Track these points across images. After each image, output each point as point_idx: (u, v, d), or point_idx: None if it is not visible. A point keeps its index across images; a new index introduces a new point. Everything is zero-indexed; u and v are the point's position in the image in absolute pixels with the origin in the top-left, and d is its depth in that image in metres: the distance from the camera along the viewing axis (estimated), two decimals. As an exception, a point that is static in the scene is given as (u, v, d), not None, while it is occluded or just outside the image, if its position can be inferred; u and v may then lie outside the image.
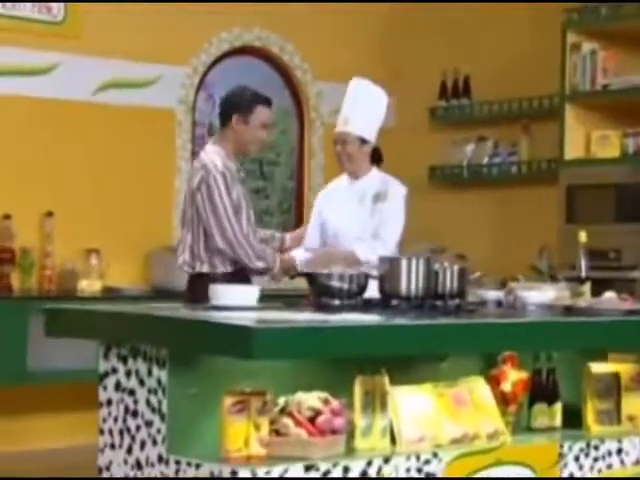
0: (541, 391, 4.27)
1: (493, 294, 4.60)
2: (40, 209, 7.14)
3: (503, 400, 4.14)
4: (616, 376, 4.31)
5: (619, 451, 4.14)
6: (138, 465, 3.63)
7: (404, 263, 3.99)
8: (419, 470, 3.65)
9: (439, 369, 4.07)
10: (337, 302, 3.96)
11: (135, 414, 3.65)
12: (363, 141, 5.37)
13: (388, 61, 8.62)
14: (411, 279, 3.99)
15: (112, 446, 3.74)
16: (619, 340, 4.15)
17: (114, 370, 3.74)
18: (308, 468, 3.41)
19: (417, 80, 8.50)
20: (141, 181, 7.56)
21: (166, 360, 3.52)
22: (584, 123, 7.26)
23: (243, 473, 3.30)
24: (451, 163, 8.18)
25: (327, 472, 3.45)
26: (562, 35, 7.21)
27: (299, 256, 5.20)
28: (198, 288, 4.68)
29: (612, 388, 4.31)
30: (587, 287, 4.67)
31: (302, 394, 3.62)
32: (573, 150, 7.18)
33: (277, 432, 3.52)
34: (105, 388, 3.78)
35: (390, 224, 5.37)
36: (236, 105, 5.09)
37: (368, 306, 4.02)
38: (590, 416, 4.28)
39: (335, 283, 3.96)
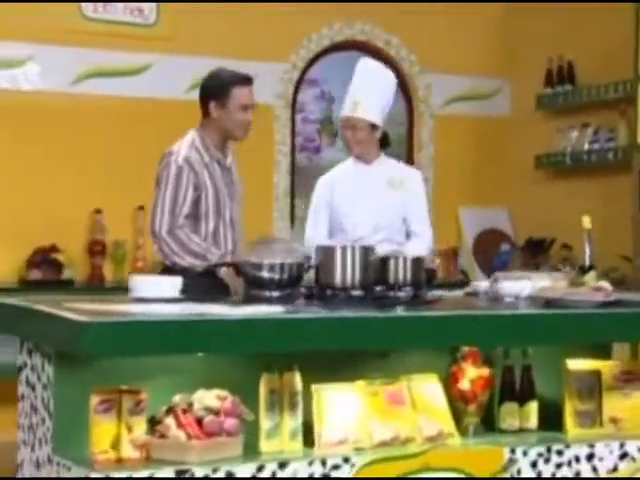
0: (511, 390, 3.66)
1: (484, 285, 4.00)
2: (132, 204, 6.89)
3: (462, 399, 3.57)
4: (597, 374, 3.64)
5: (590, 457, 3.48)
6: (37, 465, 3.25)
7: (338, 252, 3.46)
8: (325, 476, 3.12)
9: (386, 365, 3.53)
10: (267, 293, 3.47)
11: (36, 410, 3.28)
12: (373, 126, 4.82)
13: (498, 50, 7.97)
14: (346, 269, 3.46)
15: (24, 443, 3.38)
16: (579, 335, 3.49)
17: (25, 365, 3.39)
18: (180, 473, 2.95)
19: (526, 69, 7.82)
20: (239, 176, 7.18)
21: (52, 356, 3.13)
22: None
23: (98, 476, 2.87)
24: (555, 151, 7.45)
25: (205, 479, 2.98)
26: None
27: None
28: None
29: (594, 387, 3.65)
30: (592, 276, 3.99)
31: (203, 392, 3.16)
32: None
33: (161, 434, 3.07)
34: (21, 382, 3.43)
35: (421, 218, 4.83)
36: (211, 91, 4.56)
37: (301, 297, 3.51)
38: (569, 418, 3.65)
39: (265, 274, 3.47)
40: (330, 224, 4.84)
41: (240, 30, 7.26)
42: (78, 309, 3.09)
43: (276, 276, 3.48)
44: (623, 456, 3.53)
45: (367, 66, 4.94)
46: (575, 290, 3.58)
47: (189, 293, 3.56)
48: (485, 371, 3.58)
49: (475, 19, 7.94)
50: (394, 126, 7.94)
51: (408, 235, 4.81)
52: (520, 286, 3.77)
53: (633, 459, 3.54)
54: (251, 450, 3.19)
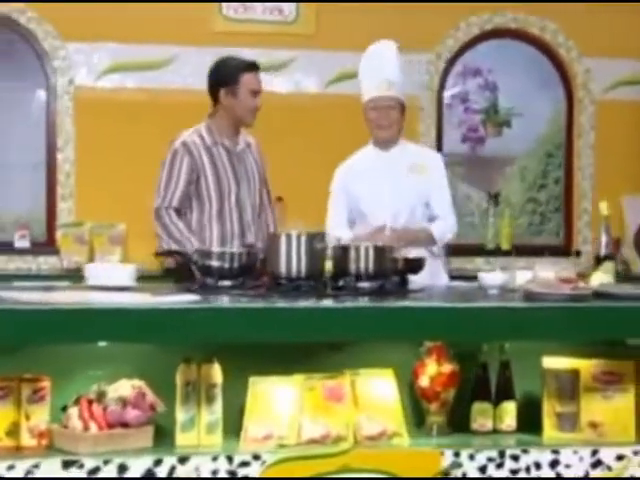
0: (484, 389, 3.24)
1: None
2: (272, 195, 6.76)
3: (423, 397, 3.20)
4: (575, 374, 3.15)
5: (554, 463, 3.01)
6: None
7: (283, 240, 3.16)
8: (231, 473, 2.87)
9: (344, 360, 3.20)
10: (216, 282, 3.23)
11: None
12: (403, 108, 4.44)
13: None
14: (291, 258, 3.16)
15: None
16: (546, 331, 3.01)
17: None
18: (68, 464, 2.78)
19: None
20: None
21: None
22: None
23: (-22, 465, 2.74)
24: None
25: (94, 470, 2.80)
26: None
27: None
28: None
29: (573, 388, 3.17)
30: (608, 267, 3.49)
31: (122, 382, 2.98)
32: None
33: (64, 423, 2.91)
34: None
35: (444, 202, 4.41)
36: (221, 79, 4.40)
37: (252, 287, 3.23)
38: (548, 420, 3.19)
39: (215, 262, 3.23)
40: (351, 212, 4.52)
41: (382, 22, 6.94)
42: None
43: (226, 265, 3.23)
44: (596, 464, 3.05)
45: (394, 47, 4.54)
46: (545, 282, 3.10)
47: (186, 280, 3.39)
48: (447, 367, 3.18)
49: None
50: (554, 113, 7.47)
51: (431, 221, 4.41)
52: (497, 278, 3.34)
53: (609, 468, 3.05)
54: (166, 443, 2.97)
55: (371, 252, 3.26)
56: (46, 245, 6.58)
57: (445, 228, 4.44)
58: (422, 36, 7.08)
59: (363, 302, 3.10)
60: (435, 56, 7.17)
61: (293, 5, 6.89)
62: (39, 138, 6.66)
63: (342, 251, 3.26)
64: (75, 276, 5.32)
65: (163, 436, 3.01)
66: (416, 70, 7.08)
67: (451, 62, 7.27)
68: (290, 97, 6.96)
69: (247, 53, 6.86)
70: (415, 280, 3.71)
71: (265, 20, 6.92)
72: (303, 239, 3.16)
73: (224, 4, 6.81)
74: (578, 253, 7.11)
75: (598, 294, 3.15)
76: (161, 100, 6.74)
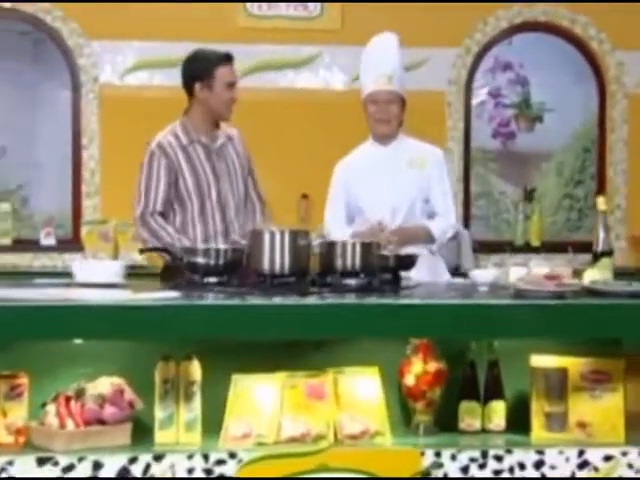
0: (472, 387, 3.19)
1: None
2: (297, 192, 6.74)
3: (409, 396, 3.16)
4: (564, 372, 3.09)
5: (539, 464, 2.96)
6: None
7: (266, 237, 3.13)
8: (207, 471, 2.85)
9: (330, 358, 3.16)
10: (201, 279, 3.21)
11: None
12: (404, 103, 4.38)
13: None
14: (275, 255, 3.13)
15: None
16: (532, 328, 2.95)
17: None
18: (42, 461, 2.78)
19: None
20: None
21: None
22: None
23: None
24: None
25: (69, 467, 2.80)
26: None
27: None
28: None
29: (562, 387, 3.10)
30: (605, 263, 3.42)
31: (103, 379, 2.97)
32: None
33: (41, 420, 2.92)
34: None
35: (445, 198, 4.34)
36: (195, 73, 4.33)
37: (237, 284, 3.21)
38: (536, 420, 3.12)
39: (200, 259, 3.21)
40: (350, 209, 4.45)
41: (408, 16, 6.89)
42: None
43: (211, 262, 3.22)
44: (583, 465, 2.98)
45: (396, 40, 4.47)
46: (531, 279, 3.04)
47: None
48: (433, 366, 3.12)
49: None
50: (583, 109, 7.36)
51: (432, 217, 4.34)
52: (488, 275, 3.29)
53: (596, 469, 2.98)
54: (145, 441, 2.96)
55: (357, 248, 3.22)
56: (72, 242, 6.63)
57: (445, 225, 4.35)
58: (450, 30, 7.02)
59: (347, 299, 3.06)
60: (464, 50, 7.10)
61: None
62: (65, 136, 6.72)
63: (328, 248, 3.23)
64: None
65: (143, 434, 2.99)
66: (443, 65, 7.03)
67: (479, 57, 7.19)
68: (315, 93, 6.94)
69: (272, 49, 6.91)
70: (413, 277, 3.68)
71: (289, 16, 6.90)
72: (286, 236, 3.14)
73: (248, 3, 6.83)
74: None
75: (589, 291, 3.09)
76: (186, 97, 6.73)
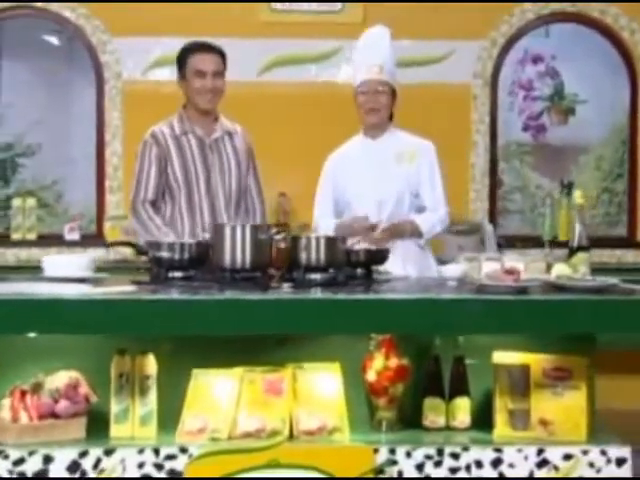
0: (436, 384, 3.15)
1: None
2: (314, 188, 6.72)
3: (371, 392, 3.13)
4: (525, 369, 3.03)
5: (496, 462, 2.91)
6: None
7: (227, 232, 3.12)
8: (159, 466, 2.86)
9: (291, 352, 3.15)
10: (165, 273, 3.20)
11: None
12: (394, 94, 4.33)
13: None
14: (236, 249, 3.11)
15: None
16: (490, 324, 2.89)
17: None
18: (-7, 454, 2.80)
19: None
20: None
21: None
22: None
23: None
24: None
25: (19, 461, 2.83)
26: None
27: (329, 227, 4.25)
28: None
29: (525, 384, 3.05)
30: (581, 258, 3.35)
31: (62, 374, 2.99)
32: None
33: (-2, 414, 2.94)
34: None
35: (434, 192, 4.27)
36: (177, 64, 4.39)
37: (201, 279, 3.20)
38: (500, 417, 3.08)
39: (165, 253, 3.20)
40: (338, 203, 4.41)
41: (431, 9, 6.83)
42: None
43: (176, 256, 3.21)
44: (542, 464, 2.92)
45: (387, 31, 4.44)
46: (492, 274, 2.99)
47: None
48: (394, 362, 3.09)
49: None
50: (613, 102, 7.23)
51: (420, 212, 4.28)
52: (456, 269, 3.24)
53: (555, 468, 2.92)
54: (100, 435, 2.97)
55: (322, 243, 3.19)
56: (95, 237, 6.69)
57: (434, 220, 4.28)
58: (474, 23, 6.93)
59: (308, 294, 3.04)
60: (490, 43, 7.01)
61: (340, -3, 6.86)
62: (89, 132, 6.78)
63: (293, 242, 3.20)
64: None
65: (99, 428, 3.01)
66: (469, 58, 6.95)
67: (506, 49, 7.10)
68: (338, 87, 6.90)
69: (294, 43, 6.89)
70: (398, 273, 3.64)
71: (311, 10, 6.87)
72: (247, 230, 3.12)
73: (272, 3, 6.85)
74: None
75: (552, 286, 3.03)
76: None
